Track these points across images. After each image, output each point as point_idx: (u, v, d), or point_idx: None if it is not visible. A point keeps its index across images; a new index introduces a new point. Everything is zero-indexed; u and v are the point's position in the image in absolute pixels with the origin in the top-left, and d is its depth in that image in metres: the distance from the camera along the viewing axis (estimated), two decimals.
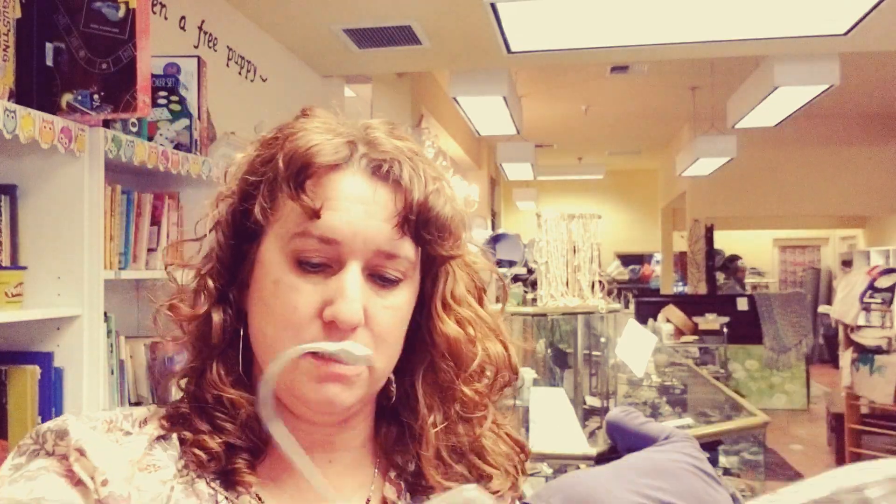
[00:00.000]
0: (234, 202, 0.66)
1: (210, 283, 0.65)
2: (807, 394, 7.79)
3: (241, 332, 0.66)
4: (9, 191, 1.73)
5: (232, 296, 0.66)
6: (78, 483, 0.57)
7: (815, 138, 8.85)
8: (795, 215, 9.88)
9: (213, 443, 0.61)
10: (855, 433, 5.15)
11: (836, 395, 5.85)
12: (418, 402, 0.67)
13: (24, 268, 1.71)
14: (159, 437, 0.62)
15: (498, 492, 0.69)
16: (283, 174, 0.62)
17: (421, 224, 0.63)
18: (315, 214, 0.60)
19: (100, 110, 1.74)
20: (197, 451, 0.61)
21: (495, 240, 3.82)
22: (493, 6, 3.17)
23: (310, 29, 3.77)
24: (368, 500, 0.67)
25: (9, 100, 1.60)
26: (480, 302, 0.70)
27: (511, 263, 3.71)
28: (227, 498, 0.61)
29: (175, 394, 0.68)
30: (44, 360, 1.73)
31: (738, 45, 4.04)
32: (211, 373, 0.64)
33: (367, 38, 3.88)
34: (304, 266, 0.61)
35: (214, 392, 0.63)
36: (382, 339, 0.62)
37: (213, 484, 0.61)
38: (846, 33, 3.69)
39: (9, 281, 1.63)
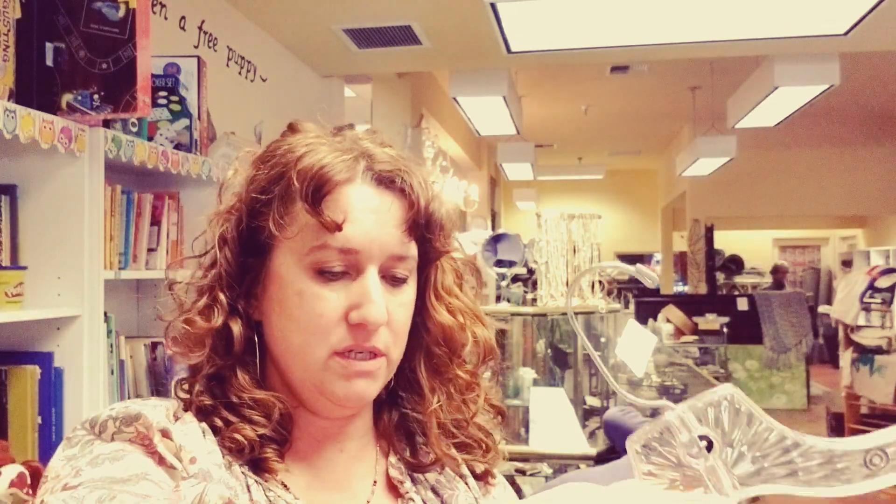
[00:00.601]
0: (242, 219, 0.70)
1: (222, 297, 0.69)
2: (807, 394, 7.78)
3: (257, 341, 0.70)
4: (9, 191, 1.73)
5: (241, 307, 0.70)
6: (161, 462, 0.60)
7: (815, 138, 8.85)
8: (795, 215, 9.88)
9: (252, 433, 0.65)
10: (855, 433, 5.14)
11: (836, 395, 5.85)
12: (421, 387, 0.74)
13: (24, 268, 1.71)
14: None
15: (491, 466, 0.77)
16: (300, 192, 0.65)
17: (425, 226, 0.70)
18: (337, 228, 0.65)
19: (100, 110, 1.74)
20: (237, 436, 0.65)
21: (495, 240, 3.82)
22: (493, 6, 3.17)
23: (310, 29, 3.77)
24: (375, 482, 0.72)
25: (9, 100, 1.60)
26: (461, 290, 0.77)
27: (511, 263, 3.71)
28: (256, 482, 0.65)
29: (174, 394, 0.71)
30: (44, 360, 1.73)
31: (738, 45, 4.04)
32: (237, 379, 0.68)
33: (367, 38, 3.88)
34: (325, 275, 0.66)
35: (242, 395, 0.67)
36: (398, 334, 0.69)
37: (242, 469, 0.65)
38: (846, 33, 3.68)
39: (9, 281, 1.63)
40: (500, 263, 3.63)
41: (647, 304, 7.73)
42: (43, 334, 1.75)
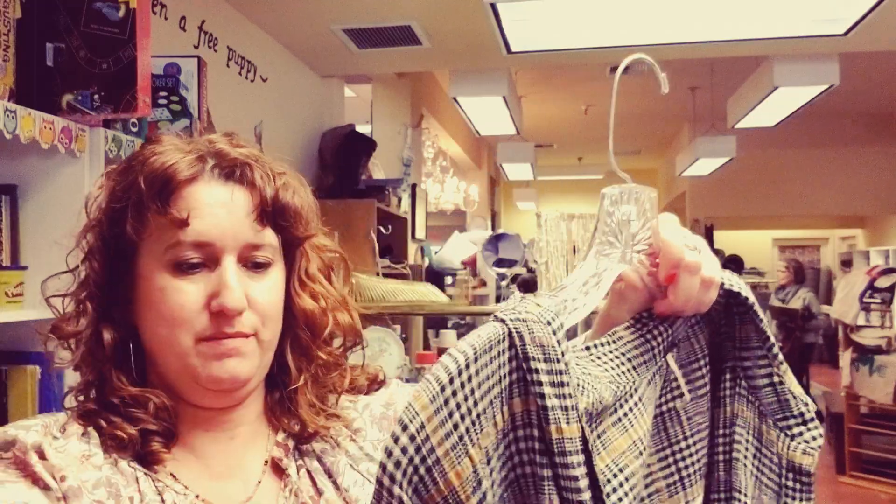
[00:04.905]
0: (104, 230, 0.74)
1: (89, 305, 0.74)
2: (806, 393, 7.78)
3: (133, 343, 0.74)
4: (9, 191, 1.73)
5: (116, 313, 0.74)
6: (36, 482, 0.63)
7: (815, 138, 8.85)
8: (795, 215, 9.88)
9: (131, 429, 0.69)
10: (855, 433, 5.15)
11: (836, 395, 5.85)
12: (289, 368, 0.78)
13: (24, 268, 1.71)
14: (82, 434, 0.70)
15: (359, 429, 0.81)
16: (148, 194, 0.70)
17: (277, 214, 0.74)
18: (184, 224, 0.69)
19: (100, 110, 1.74)
20: (118, 432, 0.69)
21: (496, 239, 3.82)
22: (493, 6, 3.17)
23: (310, 29, 3.77)
24: (267, 462, 0.77)
25: (9, 100, 1.60)
26: (329, 279, 0.81)
27: (511, 263, 3.71)
28: (146, 474, 0.69)
29: (69, 403, 0.76)
30: (44, 360, 1.73)
31: (738, 45, 4.04)
32: (112, 380, 0.72)
33: (367, 38, 3.88)
34: (183, 268, 0.70)
35: (119, 394, 0.71)
36: (267, 316, 0.73)
37: (132, 464, 0.69)
38: (846, 33, 3.68)
39: (9, 281, 1.63)
40: (500, 263, 3.63)
41: None
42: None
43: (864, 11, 3.35)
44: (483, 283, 3.84)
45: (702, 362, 0.60)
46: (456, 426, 0.41)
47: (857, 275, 5.52)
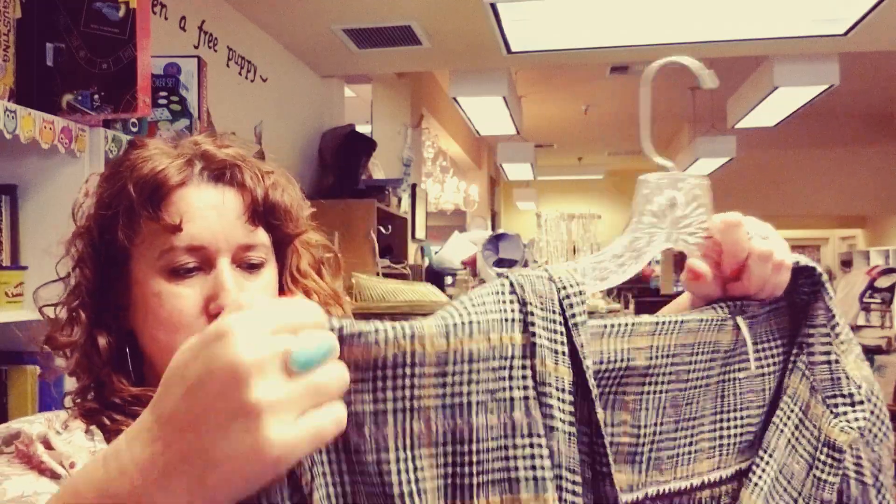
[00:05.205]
0: (94, 237, 0.74)
1: (81, 313, 0.74)
2: None
3: (129, 347, 0.74)
4: (9, 191, 1.73)
5: (110, 319, 0.74)
6: (43, 472, 0.64)
7: (815, 138, 8.84)
8: (795, 215, 9.88)
9: None
10: None
11: None
12: None
13: (24, 268, 1.71)
14: (85, 431, 0.71)
15: None
16: (138, 200, 0.69)
17: (268, 213, 0.74)
18: (177, 229, 0.69)
19: (100, 110, 1.74)
20: (123, 428, 0.69)
21: (496, 239, 3.82)
22: (493, 6, 3.17)
23: (310, 29, 3.77)
24: None
25: (9, 100, 1.60)
26: (319, 273, 0.82)
27: (512, 263, 3.71)
28: None
29: (68, 405, 0.76)
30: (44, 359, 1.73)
31: (738, 45, 4.04)
32: (112, 383, 0.72)
33: (367, 38, 3.88)
34: (179, 273, 0.70)
35: (122, 394, 0.71)
36: None
37: None
38: (846, 33, 3.69)
39: (9, 281, 1.63)
40: (500, 263, 3.63)
41: (647, 304, 7.73)
42: (43, 334, 1.75)
43: (864, 11, 3.35)
44: (483, 283, 3.84)
45: (773, 343, 0.62)
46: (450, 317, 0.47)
47: (857, 275, 5.52)
